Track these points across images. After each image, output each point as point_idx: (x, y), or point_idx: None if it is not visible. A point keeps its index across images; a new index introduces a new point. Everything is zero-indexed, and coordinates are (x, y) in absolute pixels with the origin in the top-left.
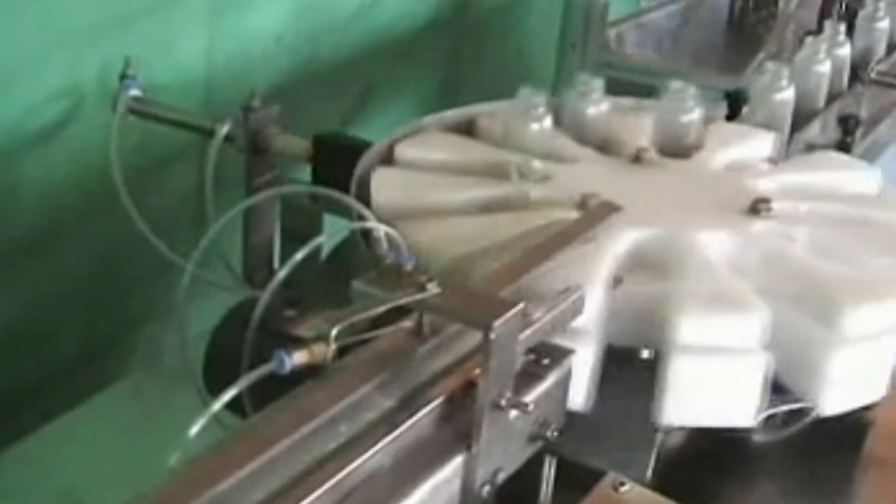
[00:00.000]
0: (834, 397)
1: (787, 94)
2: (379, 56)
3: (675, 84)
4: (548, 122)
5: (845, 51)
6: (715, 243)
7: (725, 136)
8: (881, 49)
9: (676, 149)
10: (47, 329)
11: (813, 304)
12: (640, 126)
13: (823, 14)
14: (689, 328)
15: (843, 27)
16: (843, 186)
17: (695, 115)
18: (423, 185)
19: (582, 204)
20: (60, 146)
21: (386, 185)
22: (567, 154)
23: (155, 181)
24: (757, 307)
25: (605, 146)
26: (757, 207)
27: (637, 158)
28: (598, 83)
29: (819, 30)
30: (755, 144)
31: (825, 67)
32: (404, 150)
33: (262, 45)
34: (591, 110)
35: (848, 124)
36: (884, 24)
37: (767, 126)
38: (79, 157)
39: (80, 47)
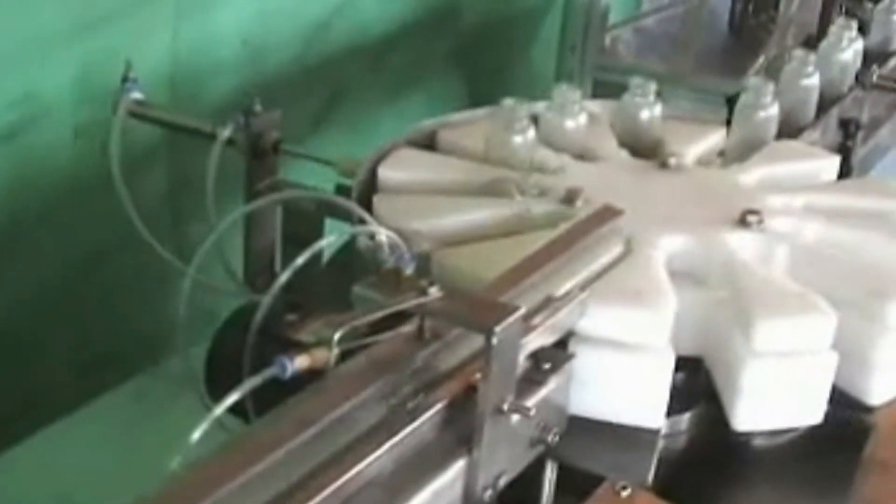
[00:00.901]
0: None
1: (813, 81)
2: (355, 60)
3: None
4: (582, 118)
5: (858, 45)
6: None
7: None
8: None
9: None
10: (37, 332)
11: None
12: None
13: (824, 18)
14: (765, 333)
15: (855, 23)
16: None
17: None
18: (427, 209)
19: (567, 199)
20: (25, 149)
21: (392, 213)
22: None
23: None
24: (824, 308)
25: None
26: (746, 220)
27: (663, 164)
28: (576, 94)
29: (820, 33)
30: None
31: (848, 55)
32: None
33: (228, 49)
34: (570, 122)
35: (849, 128)
36: None
37: (793, 112)
38: (44, 159)
39: (46, 51)
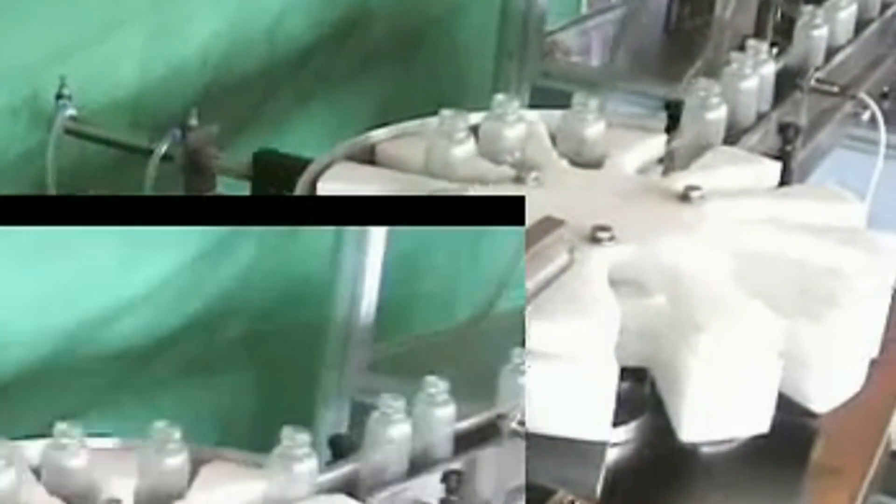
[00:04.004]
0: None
1: (720, 113)
2: (292, 71)
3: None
4: (521, 128)
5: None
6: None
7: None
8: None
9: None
10: None
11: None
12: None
13: (760, 20)
14: (710, 341)
15: None
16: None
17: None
18: None
19: (517, 178)
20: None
21: None
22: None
23: None
24: (769, 315)
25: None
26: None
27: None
28: (515, 105)
29: (758, 34)
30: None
31: (822, 32)
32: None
33: (191, 69)
34: (509, 131)
35: (788, 133)
36: None
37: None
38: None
39: (15, 81)
